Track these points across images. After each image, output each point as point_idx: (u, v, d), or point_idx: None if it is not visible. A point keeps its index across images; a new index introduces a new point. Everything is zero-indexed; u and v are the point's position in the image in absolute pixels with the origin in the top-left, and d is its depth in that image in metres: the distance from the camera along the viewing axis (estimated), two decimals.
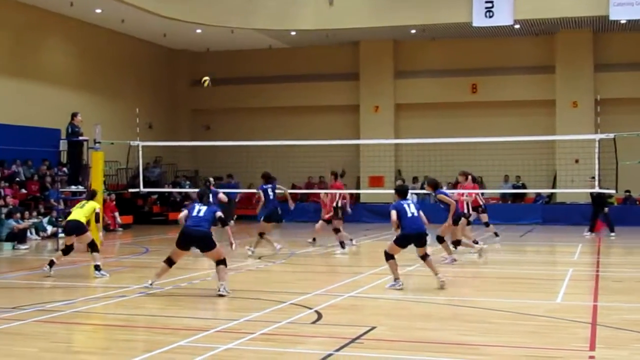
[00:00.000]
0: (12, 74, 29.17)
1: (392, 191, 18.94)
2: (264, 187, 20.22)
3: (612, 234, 26.29)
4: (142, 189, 24.36)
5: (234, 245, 13.55)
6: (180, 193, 34.27)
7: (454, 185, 23.02)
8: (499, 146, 31.13)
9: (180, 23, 32.41)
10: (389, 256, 13.72)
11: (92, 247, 15.42)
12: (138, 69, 36.78)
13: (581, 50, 34.68)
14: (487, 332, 10.00)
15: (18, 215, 23.68)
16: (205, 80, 22.17)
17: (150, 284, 13.26)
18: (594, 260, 19.38)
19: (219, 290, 12.79)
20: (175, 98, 39.69)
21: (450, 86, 36.33)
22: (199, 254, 14.03)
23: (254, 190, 25.50)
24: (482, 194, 24.21)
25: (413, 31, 34.81)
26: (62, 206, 26.21)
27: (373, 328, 10.09)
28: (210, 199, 16.55)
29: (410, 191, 20.51)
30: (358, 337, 9.48)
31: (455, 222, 18.71)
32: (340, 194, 21.47)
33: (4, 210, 24.21)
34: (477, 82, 36.12)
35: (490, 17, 29.74)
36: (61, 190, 23.59)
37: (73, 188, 21.65)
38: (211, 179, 21.22)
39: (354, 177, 36.58)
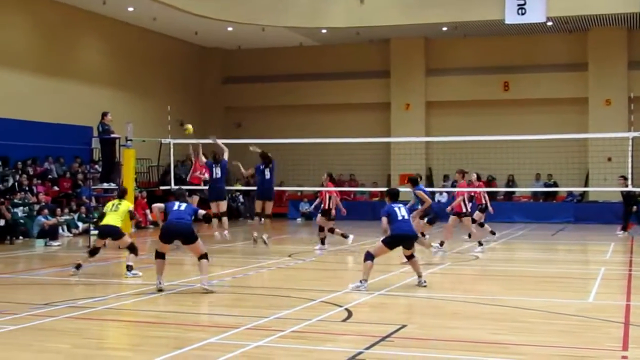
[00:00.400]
0: (45, 72, 29.41)
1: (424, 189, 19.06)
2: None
3: None
4: (173, 186, 24.45)
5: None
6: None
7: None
8: (531, 144, 30.99)
9: (211, 21, 32.52)
10: (369, 256, 13.32)
11: (132, 249, 15.39)
12: (170, 67, 36.94)
13: (614, 48, 34.38)
14: (519, 331, 9.93)
15: (46, 211, 23.87)
16: (186, 128, 22.17)
17: (160, 284, 13.09)
18: (626, 259, 19.22)
19: (203, 285, 12.87)
20: (207, 96, 39.82)
21: (482, 84, 36.15)
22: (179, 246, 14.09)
23: (285, 189, 25.58)
24: (488, 193, 23.87)
25: (444, 29, 34.69)
26: (94, 203, 26.45)
27: (403, 326, 10.06)
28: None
29: (442, 189, 20.53)
30: (388, 335, 9.45)
31: (430, 221, 19.45)
32: (330, 195, 21.24)
33: (36, 207, 24.44)
34: (509, 80, 35.91)
35: (523, 14, 29.51)
36: (93, 187, 23.73)
37: (105, 185, 21.78)
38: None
39: (384, 175, 36.53)
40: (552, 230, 29.03)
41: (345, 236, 21.03)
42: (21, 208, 24.35)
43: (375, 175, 36.31)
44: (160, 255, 13.29)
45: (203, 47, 38.92)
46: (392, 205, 13.85)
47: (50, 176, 28.01)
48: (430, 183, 33.53)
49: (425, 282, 13.72)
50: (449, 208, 20.93)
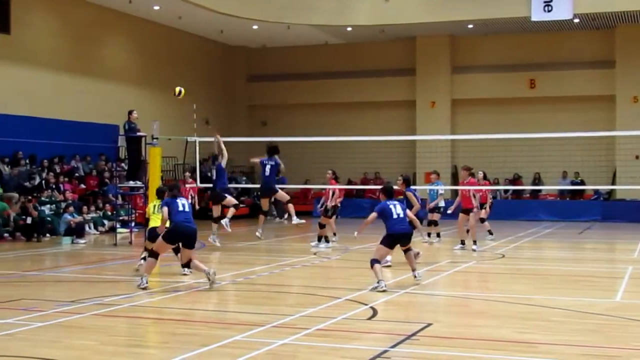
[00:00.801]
0: (72, 70, 29.60)
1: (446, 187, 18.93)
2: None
3: None
4: (198, 184, 24.54)
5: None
6: (236, 188, 34.42)
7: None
8: (557, 142, 30.87)
9: (236, 19, 32.59)
10: (374, 261, 13.09)
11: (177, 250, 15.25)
12: (195, 65, 37.06)
13: None
14: (545, 330, 9.87)
15: (72, 209, 24.01)
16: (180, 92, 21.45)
17: (145, 284, 12.96)
18: None
19: (208, 274, 13.01)
20: (232, 94, 39.92)
21: (508, 81, 36.00)
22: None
23: (311, 186, 25.59)
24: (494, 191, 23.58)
25: (470, 26, 34.57)
26: (120, 201, 26.56)
27: (429, 325, 10.03)
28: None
29: (463, 187, 20.38)
30: (414, 334, 9.42)
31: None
32: (334, 193, 21.15)
33: (63, 205, 24.59)
34: (535, 77, 35.74)
35: (549, 11, 29.33)
36: (119, 185, 23.86)
37: (131, 183, 21.87)
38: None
39: (409, 173, 36.43)
40: (578, 228, 28.86)
41: (320, 240, 20.84)
42: (48, 206, 24.53)
43: (401, 173, 36.08)
44: (155, 255, 13.25)
45: (228, 45, 39.02)
46: (387, 202, 13.52)
47: (76, 174, 28.17)
48: (456, 181, 33.41)
49: (419, 276, 13.63)
50: (451, 209, 20.86)
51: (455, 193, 25.63)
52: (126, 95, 31.12)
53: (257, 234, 20.42)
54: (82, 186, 27.75)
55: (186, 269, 13.58)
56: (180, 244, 13.43)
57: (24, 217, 23.20)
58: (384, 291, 12.61)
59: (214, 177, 20.85)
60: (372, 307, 11.29)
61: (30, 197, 24.00)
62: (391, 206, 13.41)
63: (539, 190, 35.17)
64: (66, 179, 26.91)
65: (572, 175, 34.43)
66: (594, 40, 35.30)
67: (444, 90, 36.85)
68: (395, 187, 14.78)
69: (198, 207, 22.48)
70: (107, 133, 30.01)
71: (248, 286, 13.76)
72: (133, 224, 22.85)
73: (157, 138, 21.71)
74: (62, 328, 9.90)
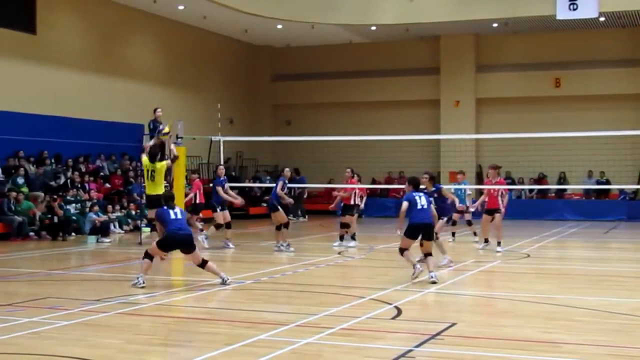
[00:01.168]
0: (97, 70, 29.78)
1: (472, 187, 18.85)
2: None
3: None
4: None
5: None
6: (260, 188, 34.49)
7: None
8: (583, 141, 30.66)
9: (261, 19, 32.66)
10: (401, 250, 14.02)
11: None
12: (219, 65, 37.17)
13: None
14: (570, 330, 9.82)
15: (97, 208, 24.16)
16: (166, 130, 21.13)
17: (142, 283, 13.01)
18: None
19: (224, 279, 13.30)
20: (256, 93, 40.00)
21: (533, 80, 35.85)
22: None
23: (335, 185, 25.55)
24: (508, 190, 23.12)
25: (495, 25, 34.44)
26: (144, 200, 26.64)
27: (453, 324, 10.00)
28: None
29: (486, 186, 20.22)
30: (438, 334, 9.40)
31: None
32: (356, 191, 21.00)
33: (88, 204, 24.73)
34: (561, 76, 35.55)
35: (575, 9, 29.14)
36: (144, 184, 23.90)
37: None
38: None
39: (434, 172, 36.33)
40: (604, 228, 28.68)
41: (354, 237, 20.83)
42: (73, 205, 24.67)
43: (425, 170, 36.12)
44: (150, 257, 13.32)
45: (252, 44, 39.09)
46: (414, 193, 14.17)
47: (101, 173, 28.33)
48: (480, 180, 33.28)
49: (434, 277, 13.61)
50: (473, 207, 20.76)
51: (479, 192, 25.54)
52: (151, 95, 31.24)
53: (274, 249, 19.61)
54: (107, 185, 27.89)
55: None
56: (180, 251, 13.57)
57: (49, 216, 23.38)
58: (420, 272, 13.61)
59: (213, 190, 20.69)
60: (396, 307, 11.27)
61: (55, 197, 24.16)
62: (417, 197, 14.06)
63: (564, 190, 34.98)
64: (91, 178, 27.05)
65: (598, 175, 34.23)
66: (619, 39, 35.07)
67: (468, 89, 36.73)
68: (421, 186, 15.09)
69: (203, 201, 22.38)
70: (132, 132, 30.18)
71: (272, 285, 13.77)
72: None
73: (181, 137, 21.76)
74: (88, 327, 9.95)
